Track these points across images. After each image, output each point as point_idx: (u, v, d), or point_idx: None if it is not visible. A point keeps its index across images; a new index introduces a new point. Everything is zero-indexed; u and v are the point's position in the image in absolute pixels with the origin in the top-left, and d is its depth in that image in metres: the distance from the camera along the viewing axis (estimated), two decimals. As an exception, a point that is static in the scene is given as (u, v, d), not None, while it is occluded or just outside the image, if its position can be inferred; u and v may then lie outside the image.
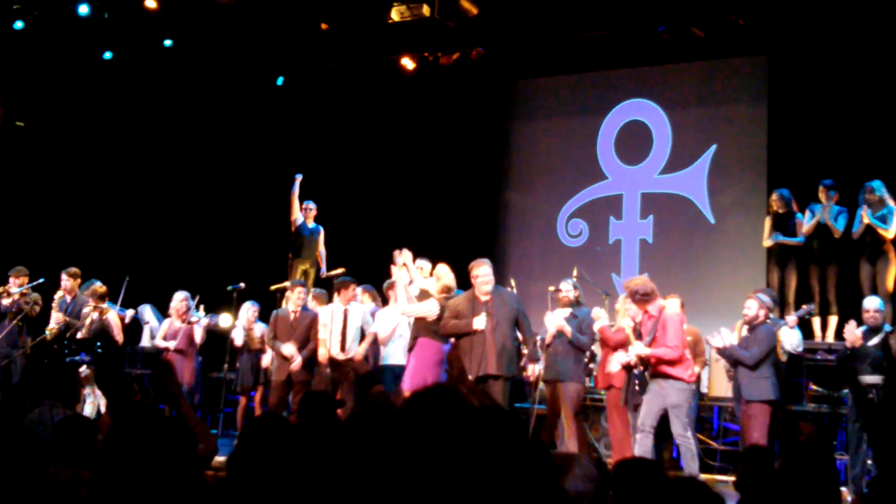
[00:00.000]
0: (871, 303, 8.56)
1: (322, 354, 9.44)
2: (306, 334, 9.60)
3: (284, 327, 9.65)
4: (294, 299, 9.77)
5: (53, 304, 10.52)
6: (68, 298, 10.62)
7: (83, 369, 9.71)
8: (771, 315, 8.36)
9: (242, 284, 10.45)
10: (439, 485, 1.18)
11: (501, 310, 8.18)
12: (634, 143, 12.58)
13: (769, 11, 10.83)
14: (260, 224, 13.21)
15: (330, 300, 10.02)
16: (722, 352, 8.21)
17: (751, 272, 11.01)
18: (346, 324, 9.51)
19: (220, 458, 8.08)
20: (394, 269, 9.26)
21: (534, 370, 9.00)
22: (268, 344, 9.87)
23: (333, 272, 11.23)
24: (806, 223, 10.03)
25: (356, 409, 1.38)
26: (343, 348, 9.47)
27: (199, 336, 10.23)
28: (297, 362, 9.44)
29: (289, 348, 9.46)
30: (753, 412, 8.01)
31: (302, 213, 11.91)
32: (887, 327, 8.45)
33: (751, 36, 11.22)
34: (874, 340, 8.28)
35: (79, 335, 10.15)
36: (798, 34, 11.01)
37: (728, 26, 11.09)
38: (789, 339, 8.90)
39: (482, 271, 8.28)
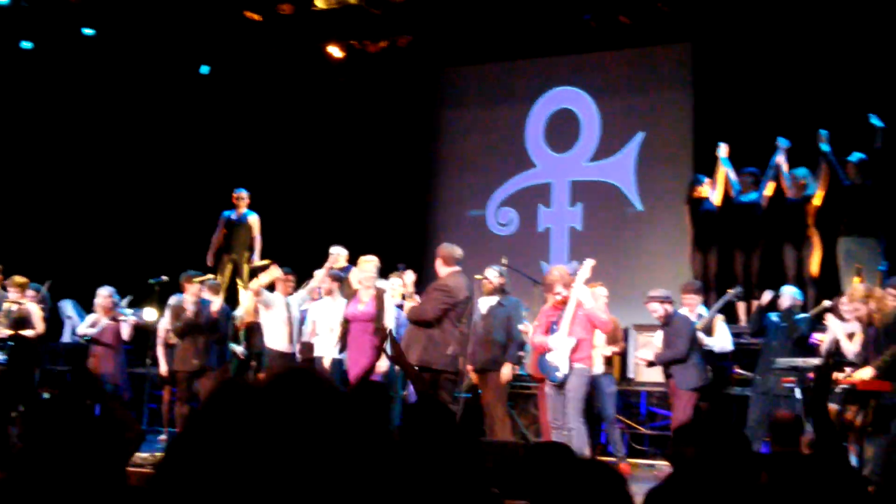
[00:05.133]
0: (787, 291, 8.76)
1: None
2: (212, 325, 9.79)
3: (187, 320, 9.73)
4: (193, 291, 9.80)
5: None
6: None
7: None
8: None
9: (165, 277, 10.25)
10: (281, 462, 1.14)
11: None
12: (563, 130, 12.62)
13: (693, -1, 10.95)
14: (183, 216, 12.97)
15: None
16: (654, 364, 8.44)
17: (677, 259, 11.08)
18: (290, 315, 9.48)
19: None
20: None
21: None
22: (173, 334, 9.75)
23: (260, 264, 11.10)
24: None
25: (215, 390, 1.33)
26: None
27: (126, 333, 10.06)
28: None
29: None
30: (681, 397, 8.17)
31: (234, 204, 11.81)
32: (800, 317, 8.55)
33: (676, 23, 11.31)
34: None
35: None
36: (721, 21, 11.11)
37: (654, 14, 11.17)
38: (719, 342, 8.93)
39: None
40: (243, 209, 11.84)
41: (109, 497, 2.75)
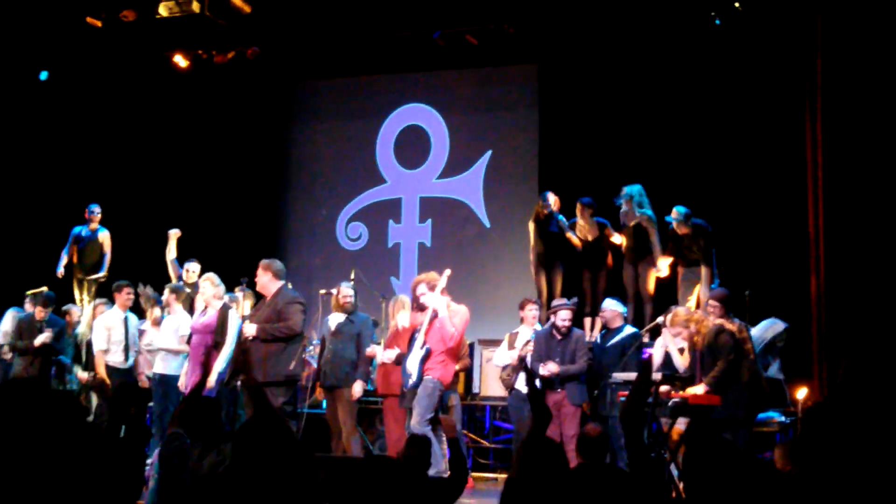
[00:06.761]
0: (608, 304, 8.91)
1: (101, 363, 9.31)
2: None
3: (32, 335, 9.58)
4: (36, 312, 9.71)
5: None
6: None
7: None
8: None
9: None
10: None
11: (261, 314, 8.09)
12: (413, 147, 12.72)
13: (538, 21, 11.19)
14: (17, 228, 12.44)
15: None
16: (557, 377, 8.26)
17: (524, 275, 11.26)
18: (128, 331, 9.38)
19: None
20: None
21: None
22: (9, 349, 9.50)
23: (93, 276, 10.81)
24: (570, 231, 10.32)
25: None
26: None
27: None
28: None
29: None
30: (570, 411, 8.23)
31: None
32: (627, 329, 8.76)
33: (522, 45, 11.55)
34: (614, 340, 8.67)
35: None
36: (566, 44, 11.41)
37: (500, 35, 11.38)
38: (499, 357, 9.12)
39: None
40: (95, 225, 11.52)
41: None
